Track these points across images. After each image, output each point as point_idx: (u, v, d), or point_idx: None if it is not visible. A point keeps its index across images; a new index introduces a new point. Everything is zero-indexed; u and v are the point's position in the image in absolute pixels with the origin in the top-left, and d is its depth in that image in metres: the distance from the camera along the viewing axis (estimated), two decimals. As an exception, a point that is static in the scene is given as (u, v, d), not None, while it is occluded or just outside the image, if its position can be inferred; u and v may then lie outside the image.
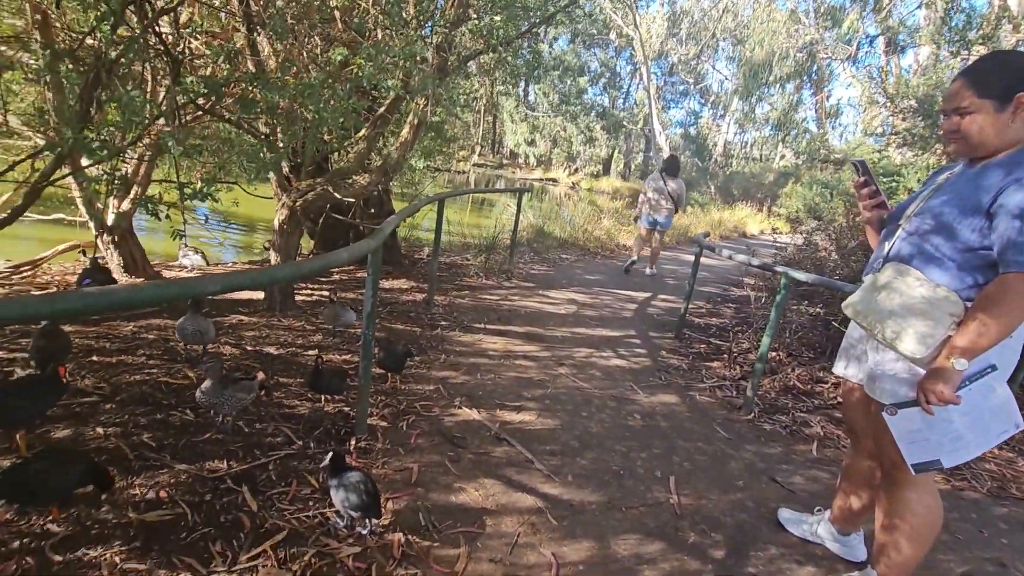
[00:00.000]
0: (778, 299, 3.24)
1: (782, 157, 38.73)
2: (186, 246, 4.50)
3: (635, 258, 7.30)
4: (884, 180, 5.52)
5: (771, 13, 21.22)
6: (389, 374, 3.07)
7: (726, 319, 5.64)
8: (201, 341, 2.86)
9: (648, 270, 7.45)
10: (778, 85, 17.37)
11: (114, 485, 1.78)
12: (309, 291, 4.55)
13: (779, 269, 3.32)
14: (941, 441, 1.63)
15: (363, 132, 3.66)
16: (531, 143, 39.45)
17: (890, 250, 1.76)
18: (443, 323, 4.24)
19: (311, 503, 1.99)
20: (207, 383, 2.21)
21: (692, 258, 4.74)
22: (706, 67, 35.88)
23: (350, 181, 3.52)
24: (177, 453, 2.12)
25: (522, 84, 42.08)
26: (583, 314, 5.06)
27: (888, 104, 7.88)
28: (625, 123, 40.50)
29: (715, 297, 6.74)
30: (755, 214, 22.05)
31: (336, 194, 3.35)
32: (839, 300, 4.45)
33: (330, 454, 1.84)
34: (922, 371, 1.63)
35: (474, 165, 40.39)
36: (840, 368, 2.01)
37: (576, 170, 39.39)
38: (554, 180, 38.85)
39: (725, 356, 4.43)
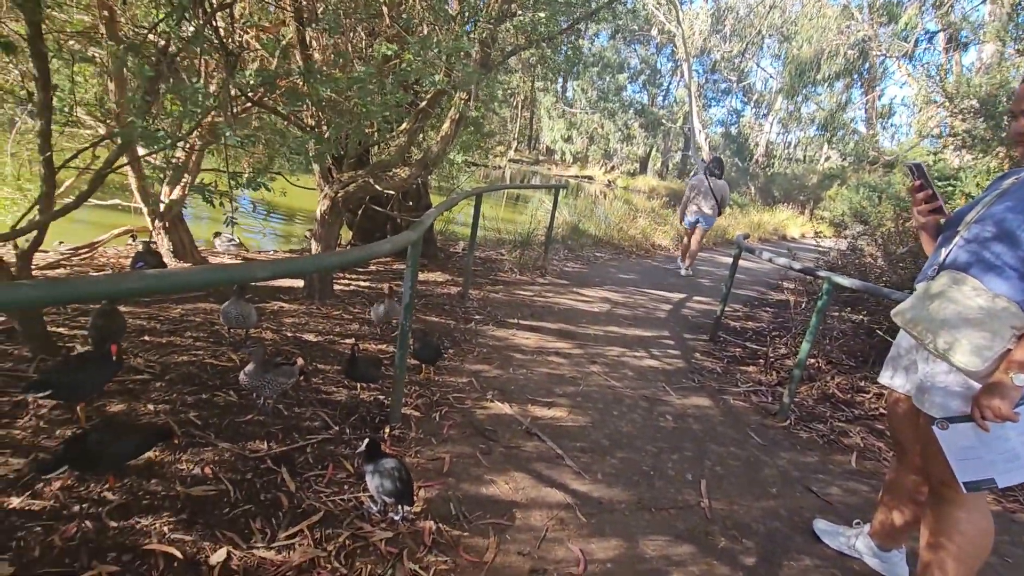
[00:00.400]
0: (820, 304, 3.15)
1: (827, 159, 37.43)
2: (224, 233, 4.65)
3: (682, 264, 7.43)
4: (940, 184, 5.27)
5: (821, 9, 20.44)
6: (424, 365, 3.12)
7: (763, 323, 5.50)
8: (244, 325, 2.97)
9: (683, 270, 7.39)
10: (826, 84, 16.61)
11: (176, 436, 1.90)
12: (347, 280, 4.65)
13: (822, 274, 3.22)
14: (996, 459, 1.56)
15: (405, 126, 3.71)
16: (568, 140, 39.23)
17: (946, 257, 1.69)
18: (477, 317, 4.28)
19: (346, 487, 2.05)
20: (250, 366, 2.29)
21: (729, 260, 4.64)
22: (750, 65, 34.95)
23: (391, 174, 3.58)
24: (221, 432, 2.21)
25: (560, 80, 41.89)
26: (616, 313, 5.02)
27: (947, 104, 7.50)
28: (664, 121, 39.83)
29: (752, 301, 6.59)
30: (796, 217, 21.45)
31: (377, 186, 3.41)
32: (884, 308, 4.29)
33: (366, 440, 1.88)
34: (976, 385, 1.56)
35: (510, 161, 40.47)
36: (886, 378, 1.94)
37: (612, 168, 38.99)
38: (590, 178, 38.57)
39: (761, 361, 4.33)
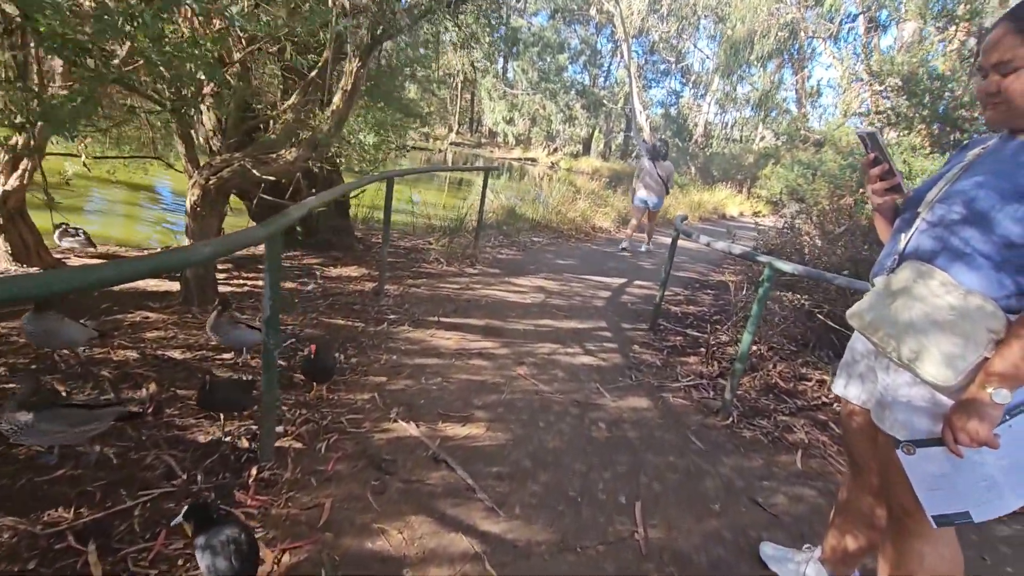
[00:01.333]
0: (761, 292, 2.88)
1: (762, 138, 38.68)
2: (66, 226, 3.94)
3: (626, 242, 7.67)
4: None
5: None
6: (314, 383, 2.64)
7: (704, 307, 5.31)
8: (53, 345, 2.38)
9: (644, 247, 7.79)
10: (759, 64, 16.77)
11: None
12: (241, 281, 4.06)
13: (762, 259, 2.95)
14: (971, 489, 1.27)
15: (292, 100, 3.16)
16: (509, 122, 38.62)
17: (907, 245, 1.38)
18: (391, 316, 3.80)
19: (181, 562, 1.57)
20: (9, 409, 1.72)
21: (670, 241, 4.37)
22: (687, 45, 35.37)
23: (274, 156, 3.03)
24: (11, 497, 1.67)
25: (501, 61, 41.09)
26: (550, 304, 4.67)
27: (871, 83, 7.55)
28: (605, 102, 39.86)
29: (693, 283, 6.41)
30: (735, 195, 21.96)
31: (255, 171, 2.86)
32: (824, 289, 4.14)
33: (185, 507, 1.41)
34: (946, 401, 1.27)
35: (452, 144, 39.46)
36: (840, 387, 1.64)
37: (556, 150, 38.76)
38: (533, 160, 38.21)
39: (703, 350, 4.09)
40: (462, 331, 3.74)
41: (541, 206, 8.52)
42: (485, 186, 5.74)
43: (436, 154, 32.79)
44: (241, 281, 4.05)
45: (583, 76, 41.81)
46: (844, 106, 20.34)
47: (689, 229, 4.08)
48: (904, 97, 6.19)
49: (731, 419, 3.06)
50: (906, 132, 6.13)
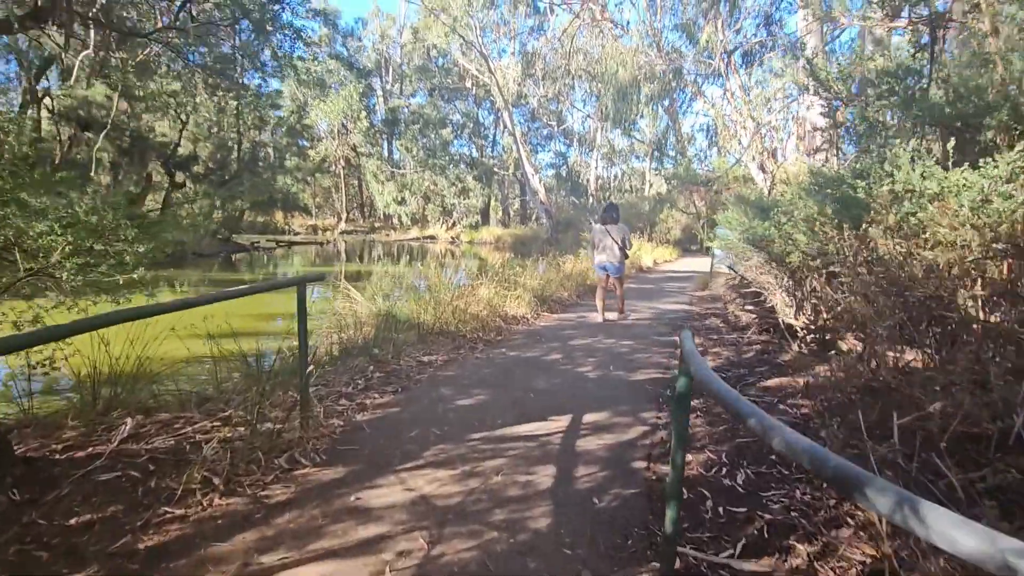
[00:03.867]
0: None
1: (651, 185, 39.86)
2: None
3: (599, 315, 7.11)
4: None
5: (617, 50, 20.82)
6: None
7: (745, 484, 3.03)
8: None
9: (618, 315, 7.23)
10: (649, 106, 16.03)
11: None
12: None
13: None
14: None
15: None
16: (401, 202, 36.81)
17: None
18: None
19: None
20: None
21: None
22: (565, 107, 35.99)
23: None
24: None
25: (385, 142, 39.72)
26: (438, 564, 2.14)
27: (817, 93, 6.22)
28: (496, 170, 39.44)
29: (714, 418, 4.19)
30: (643, 243, 20.93)
31: None
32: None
33: None
34: None
35: (342, 233, 36.76)
36: None
37: (454, 224, 37.27)
38: (432, 237, 36.35)
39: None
40: None
41: (430, 302, 6.07)
42: (304, 310, 3.17)
43: (325, 245, 29.90)
44: None
45: (470, 148, 41.47)
46: (724, 143, 20.46)
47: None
48: (885, 98, 4.67)
49: None
50: (901, 143, 4.57)
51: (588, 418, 3.60)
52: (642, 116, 15.82)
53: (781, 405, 3.75)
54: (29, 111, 18.11)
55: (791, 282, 5.40)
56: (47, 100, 17.61)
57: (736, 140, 18.34)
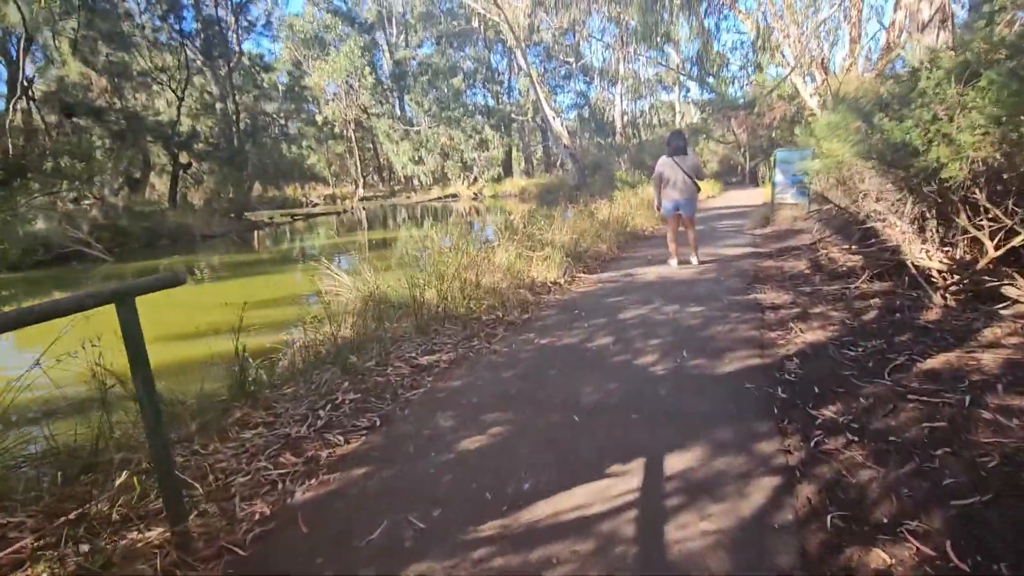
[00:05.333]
0: None
1: (681, 116, 36.90)
2: None
3: (674, 259, 6.20)
4: None
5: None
6: None
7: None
8: None
9: (693, 259, 6.18)
10: (679, 17, 13.43)
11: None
12: None
13: None
14: None
15: None
16: (418, 161, 35.05)
17: None
18: None
19: None
20: None
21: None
22: (582, 39, 32.92)
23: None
24: None
25: (395, 99, 37.61)
26: None
27: None
28: (515, 116, 37.03)
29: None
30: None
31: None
32: None
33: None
34: None
35: (361, 200, 35.43)
36: None
37: (475, 179, 35.43)
38: (454, 195, 34.68)
39: None
40: None
41: (431, 275, 4.64)
42: (137, 348, 1.77)
43: (343, 214, 28.59)
44: None
45: (485, 97, 39.01)
46: (764, 58, 17.81)
47: None
48: None
49: None
50: None
51: (672, 464, 2.19)
52: (670, 32, 13.30)
53: (1007, 420, 2.23)
54: (18, 102, 17.13)
55: (935, 210, 3.74)
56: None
57: (779, 51, 15.84)
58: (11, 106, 16.78)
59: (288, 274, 11.01)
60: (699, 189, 6.00)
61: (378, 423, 2.74)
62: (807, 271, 5.55)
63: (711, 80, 25.23)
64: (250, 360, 3.10)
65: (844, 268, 5.17)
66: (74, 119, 16.04)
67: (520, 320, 4.38)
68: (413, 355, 3.65)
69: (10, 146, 16.21)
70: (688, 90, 37.52)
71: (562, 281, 5.41)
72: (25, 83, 17.04)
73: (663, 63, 30.84)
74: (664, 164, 6.00)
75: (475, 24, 33.05)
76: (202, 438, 2.52)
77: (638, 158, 27.13)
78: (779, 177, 9.65)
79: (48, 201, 13.37)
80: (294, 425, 2.71)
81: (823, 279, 5.08)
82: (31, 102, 15.62)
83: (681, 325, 4.02)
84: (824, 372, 2.93)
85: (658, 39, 12.22)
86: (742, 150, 27.67)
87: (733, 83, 18.96)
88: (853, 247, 5.08)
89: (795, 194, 9.43)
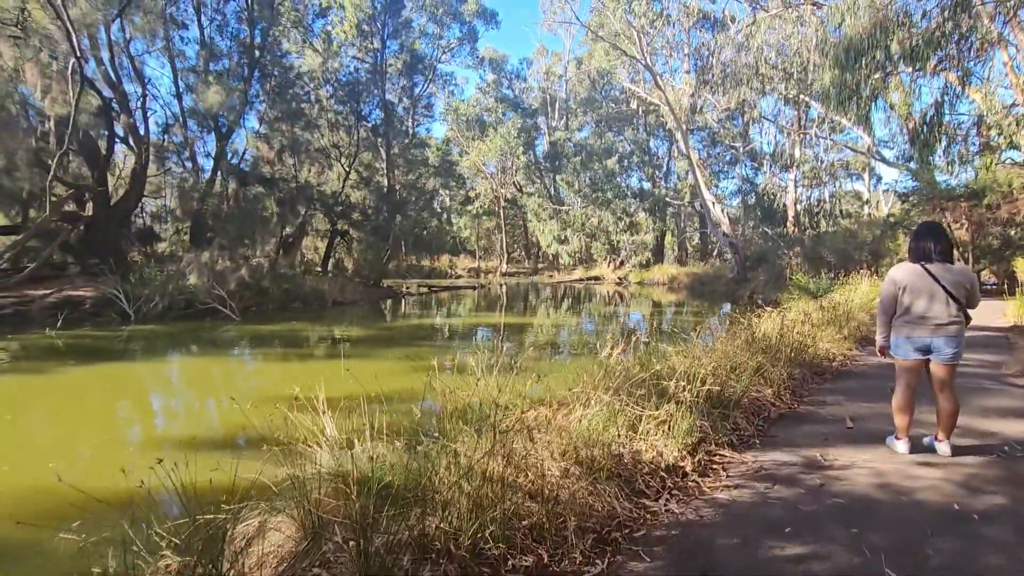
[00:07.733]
0: None
1: (869, 204, 31.64)
2: None
3: (902, 439, 3.57)
4: None
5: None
6: None
7: None
8: None
9: (942, 445, 3.47)
10: (910, 63, 9.34)
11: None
12: None
13: None
14: None
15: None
16: (563, 240, 34.25)
17: None
18: None
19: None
20: None
21: None
22: (750, 121, 30.20)
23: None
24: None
25: (549, 178, 37.98)
26: None
27: None
28: (671, 200, 34.88)
29: None
30: (860, 282, 14.53)
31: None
32: None
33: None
34: None
35: (503, 275, 35.41)
36: None
37: (621, 262, 33.46)
38: (597, 278, 32.95)
39: None
40: None
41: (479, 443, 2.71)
42: None
43: (480, 288, 28.26)
44: None
45: (640, 180, 37.67)
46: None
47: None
48: None
49: None
50: None
51: None
52: (877, 94, 10.10)
53: None
54: (217, 173, 19.73)
55: None
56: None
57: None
58: (215, 175, 19.36)
59: (383, 361, 9.88)
60: (968, 322, 3.43)
61: None
62: None
63: (912, 166, 20.86)
64: None
65: None
66: (254, 187, 17.80)
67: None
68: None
69: (207, 208, 18.52)
70: (880, 177, 32.27)
71: (688, 467, 3.14)
72: (226, 158, 19.63)
73: (850, 147, 26.77)
74: (907, 274, 3.56)
75: (633, 106, 32.46)
76: None
77: (814, 251, 23.05)
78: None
79: (209, 261, 14.36)
80: None
81: None
82: (219, 172, 17.71)
83: None
84: None
85: (858, 105, 9.45)
86: (961, 250, 22.13)
87: (955, 164, 14.77)
88: None
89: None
